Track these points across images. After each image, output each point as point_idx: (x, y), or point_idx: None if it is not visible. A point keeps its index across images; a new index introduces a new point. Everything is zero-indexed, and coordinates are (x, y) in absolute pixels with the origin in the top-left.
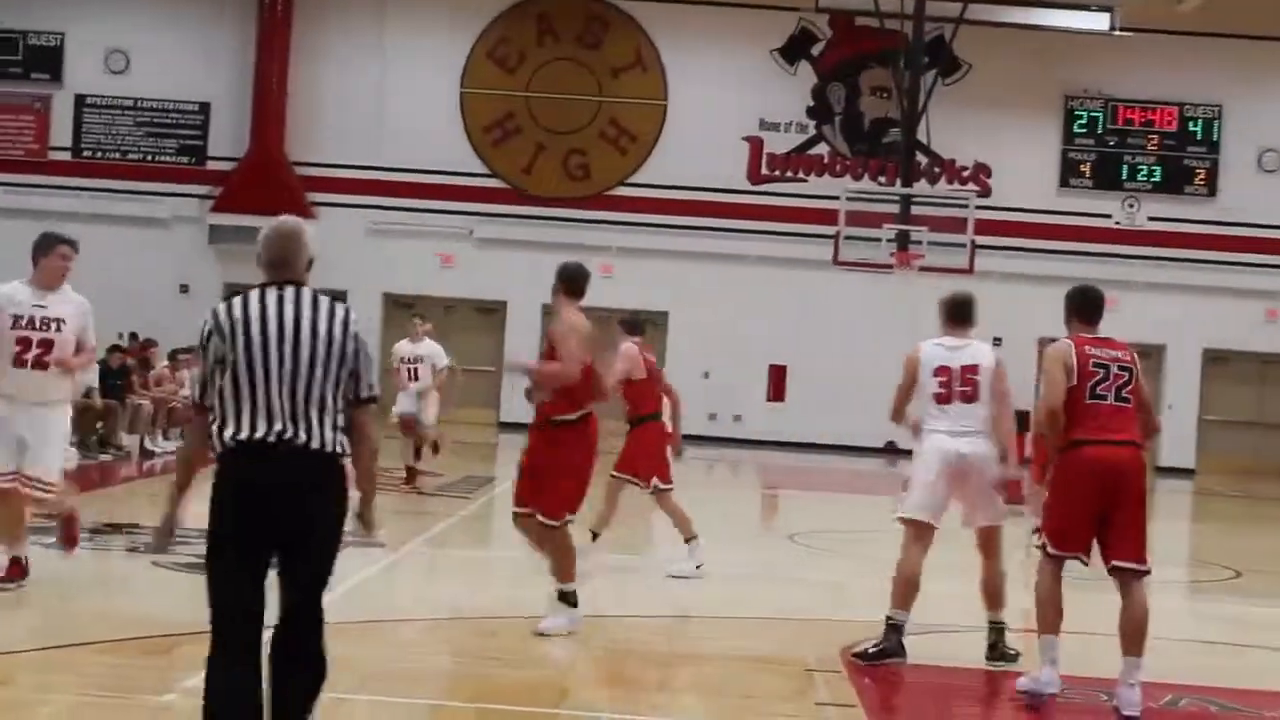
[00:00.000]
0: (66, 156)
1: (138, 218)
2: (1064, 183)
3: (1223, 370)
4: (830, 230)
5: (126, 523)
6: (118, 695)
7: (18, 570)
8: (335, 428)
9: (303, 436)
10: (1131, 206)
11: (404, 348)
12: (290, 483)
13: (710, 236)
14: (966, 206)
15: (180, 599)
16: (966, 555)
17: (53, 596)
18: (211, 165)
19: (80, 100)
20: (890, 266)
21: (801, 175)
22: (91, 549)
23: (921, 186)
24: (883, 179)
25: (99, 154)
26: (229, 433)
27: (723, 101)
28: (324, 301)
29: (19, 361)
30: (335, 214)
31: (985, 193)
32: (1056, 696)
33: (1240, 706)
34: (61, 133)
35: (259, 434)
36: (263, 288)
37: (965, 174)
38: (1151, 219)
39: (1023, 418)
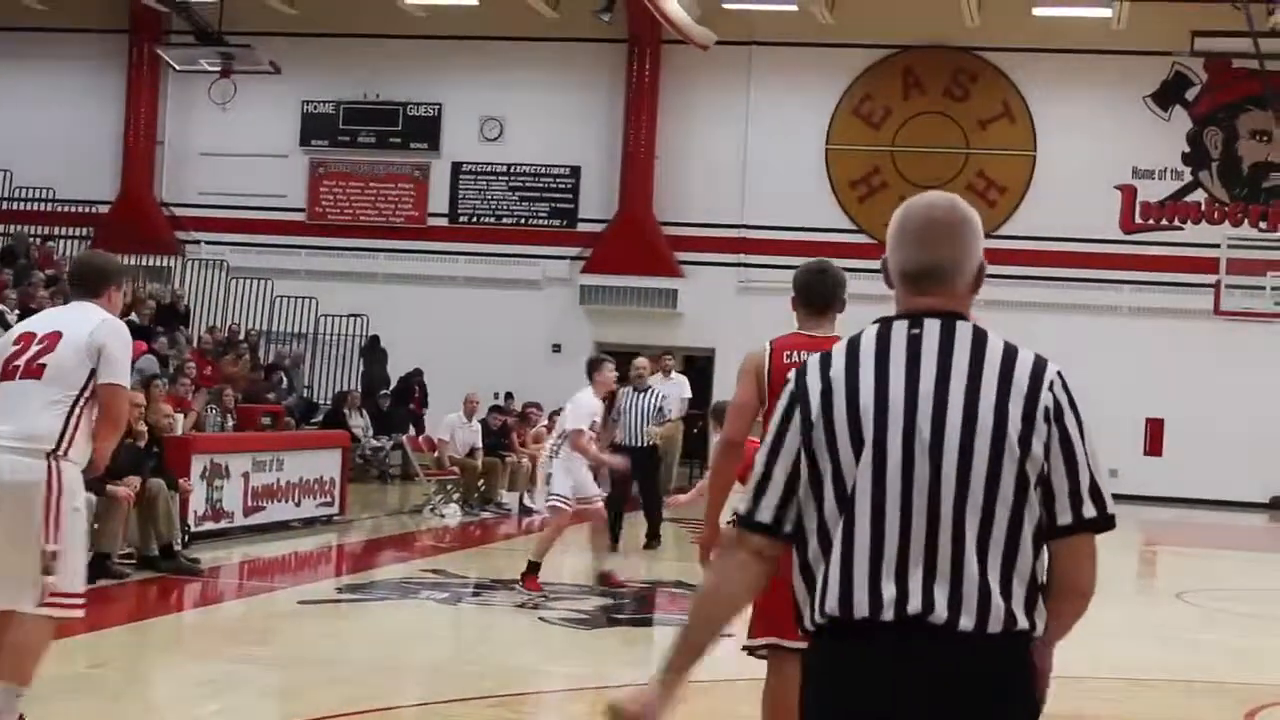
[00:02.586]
0: (444, 222)
1: (512, 280)
2: None
3: None
4: (1209, 279)
5: (509, 579)
6: None
7: None
8: (1019, 590)
9: (952, 610)
10: None
11: None
12: (936, 702)
13: (1082, 288)
14: None
15: (569, 654)
16: None
17: (448, 650)
18: (582, 227)
19: (456, 168)
20: (1276, 316)
21: (1178, 223)
22: (477, 604)
23: None
24: (1264, 224)
25: (474, 219)
26: (823, 600)
27: (1094, 150)
28: (996, 348)
29: None
30: (702, 273)
31: None
32: None
33: None
34: (439, 199)
35: (874, 607)
36: (888, 321)
37: None
38: None
39: None
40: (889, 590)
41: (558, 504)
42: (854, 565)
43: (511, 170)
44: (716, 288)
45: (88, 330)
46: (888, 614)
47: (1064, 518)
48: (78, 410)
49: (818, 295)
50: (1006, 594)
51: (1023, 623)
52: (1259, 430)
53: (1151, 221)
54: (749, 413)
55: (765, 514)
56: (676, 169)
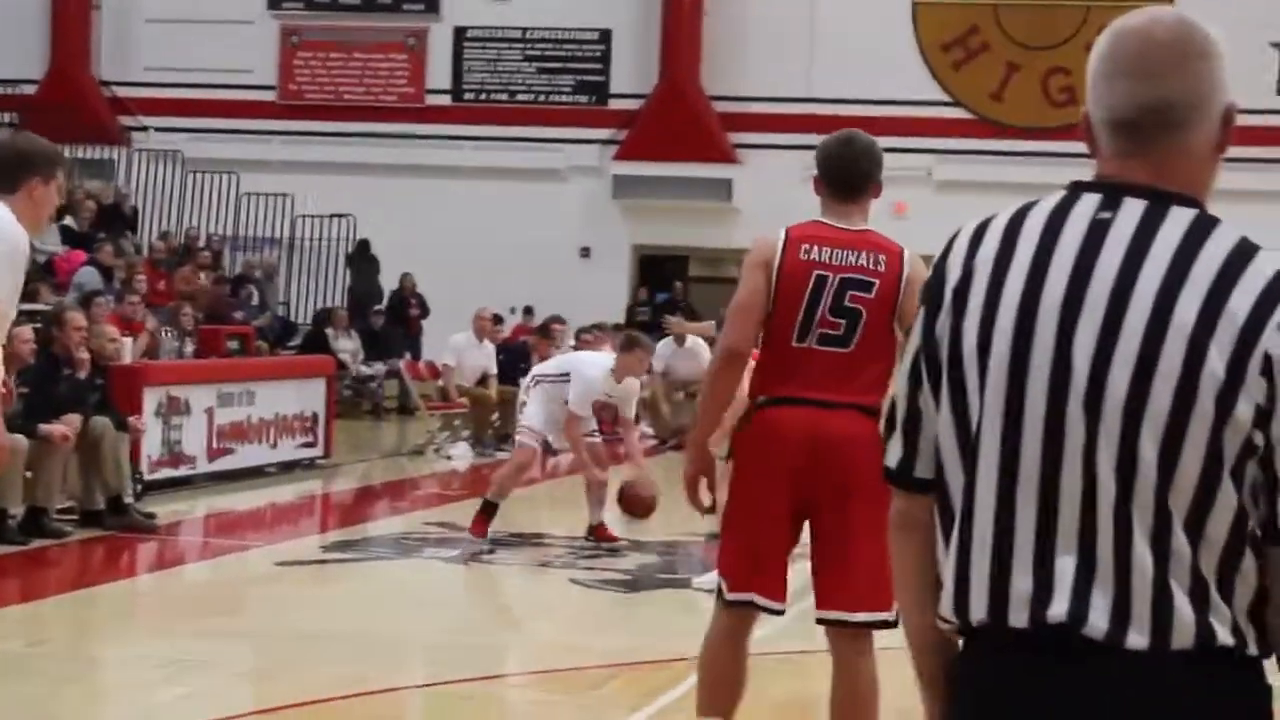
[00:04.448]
0: (446, 101)
1: (530, 170)
2: None
3: None
4: None
5: (533, 532)
6: None
7: None
8: (1217, 597)
9: (1116, 621)
10: None
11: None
12: None
13: (1230, 169)
14: None
15: (607, 623)
16: None
17: (459, 620)
18: (614, 105)
19: (460, 34)
20: None
21: None
22: (493, 564)
23: None
24: None
25: (483, 96)
26: (963, 597)
27: (1243, 1)
28: (1217, 256)
29: None
30: (762, 158)
31: None
32: None
33: None
34: (439, 73)
35: (997, 607)
36: (1075, 191)
37: None
38: None
39: None
40: (1021, 583)
41: (525, 437)
42: (972, 545)
43: (527, 36)
44: (779, 176)
45: None
46: (1018, 617)
47: None
48: None
49: (845, 174)
50: (1198, 600)
51: (1225, 638)
52: None
53: None
54: (753, 315)
55: (892, 458)
56: (730, 30)
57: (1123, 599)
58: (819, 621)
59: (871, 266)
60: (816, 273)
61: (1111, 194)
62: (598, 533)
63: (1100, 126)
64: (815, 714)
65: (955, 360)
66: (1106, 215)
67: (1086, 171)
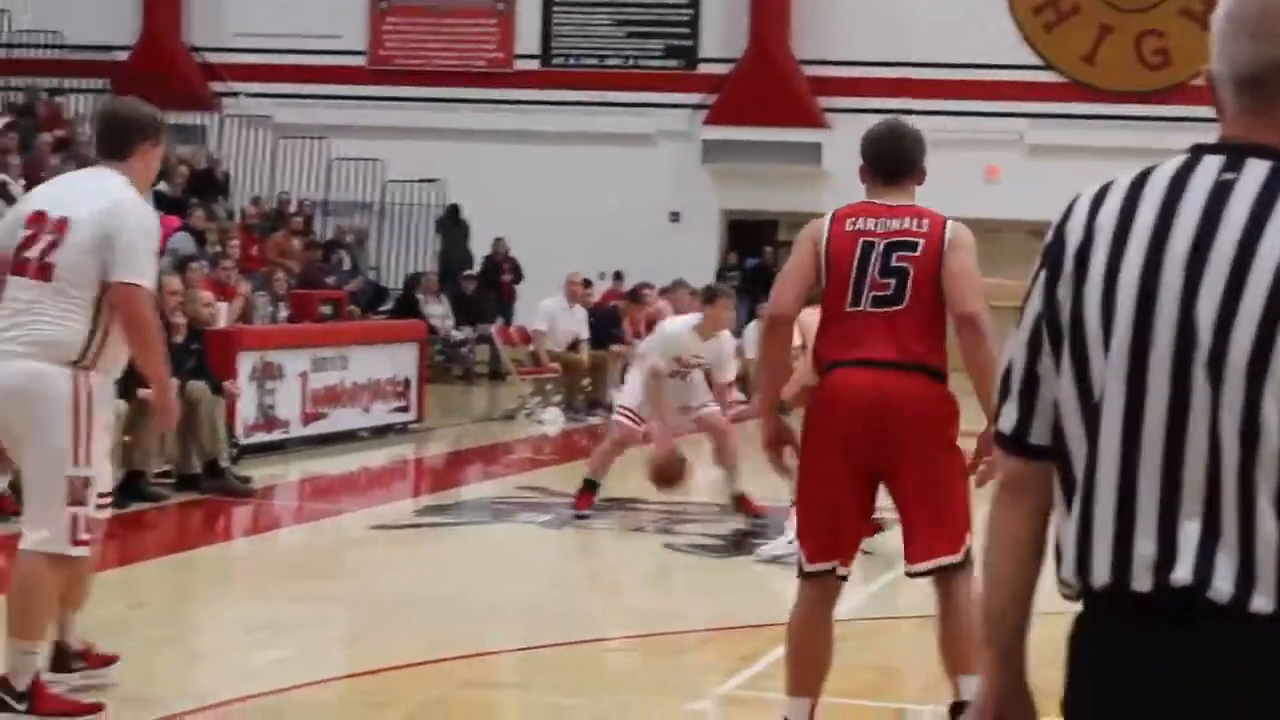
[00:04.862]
0: (534, 65)
1: (619, 134)
2: None
3: None
4: None
5: (627, 497)
6: (640, 701)
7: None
8: None
9: (1241, 584)
10: None
11: None
12: (1237, 698)
13: None
14: None
15: (700, 588)
16: None
17: (552, 584)
18: (704, 69)
19: None
20: None
21: None
22: (585, 528)
23: None
24: None
25: (572, 61)
26: (1058, 559)
27: None
28: None
29: None
30: (852, 122)
31: None
32: None
33: None
34: (528, 37)
35: (1120, 570)
36: (1198, 153)
37: None
38: None
39: None
40: (1145, 547)
41: (621, 418)
42: (1094, 510)
43: (616, 0)
44: None
45: (95, 215)
46: (1142, 581)
47: None
48: (103, 313)
49: (891, 163)
50: None
51: None
52: None
53: None
54: (799, 280)
55: (1006, 422)
56: None
57: (1247, 563)
58: (916, 574)
59: (915, 228)
60: (863, 240)
61: (1234, 155)
62: (742, 505)
63: (1224, 84)
64: (901, 679)
65: (1077, 325)
66: (1230, 177)
67: (1181, 136)
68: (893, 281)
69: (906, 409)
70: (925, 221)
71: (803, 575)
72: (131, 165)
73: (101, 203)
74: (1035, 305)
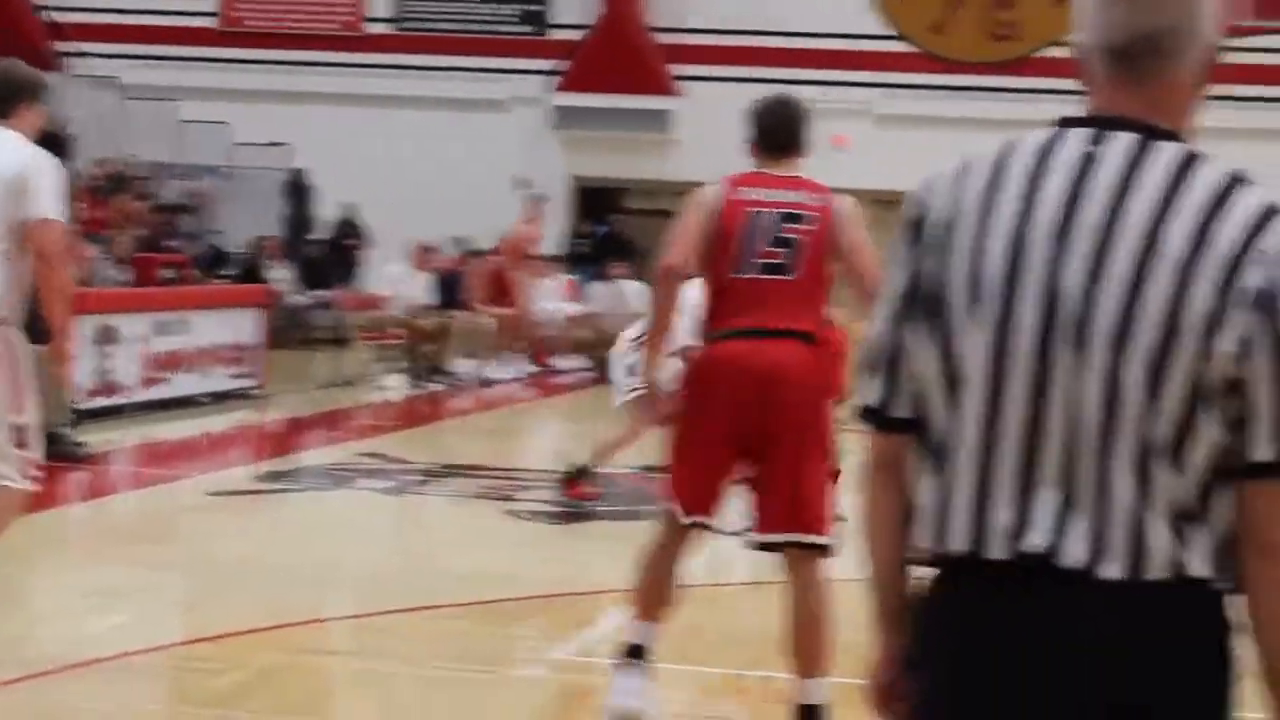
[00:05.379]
0: (386, 29)
1: (470, 100)
2: None
3: None
4: None
5: (467, 464)
6: (474, 668)
7: None
8: (1192, 530)
9: (1095, 550)
10: None
11: None
12: (1085, 658)
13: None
14: None
15: (543, 554)
16: None
17: (391, 551)
18: (556, 35)
19: None
20: None
21: None
22: (426, 495)
23: None
24: None
25: (424, 26)
26: (943, 529)
27: None
28: (1205, 188)
29: None
30: (703, 90)
31: None
32: None
33: None
34: (381, 2)
35: (978, 538)
36: (1063, 126)
37: None
38: None
39: None
40: (1002, 515)
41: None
42: (955, 479)
43: None
44: (721, 109)
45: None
46: (998, 549)
47: (1262, 451)
48: (13, 263)
49: (779, 136)
50: (1173, 532)
51: (1198, 569)
52: None
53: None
54: (690, 240)
55: (871, 396)
56: None
57: (1101, 529)
58: (764, 546)
59: (808, 201)
60: (755, 209)
61: (1100, 127)
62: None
63: (1093, 53)
64: (736, 646)
65: (942, 297)
66: (1096, 148)
67: (1030, 108)
68: (783, 251)
69: (794, 377)
70: (817, 195)
71: (671, 522)
72: (12, 125)
73: (6, 155)
74: (898, 278)
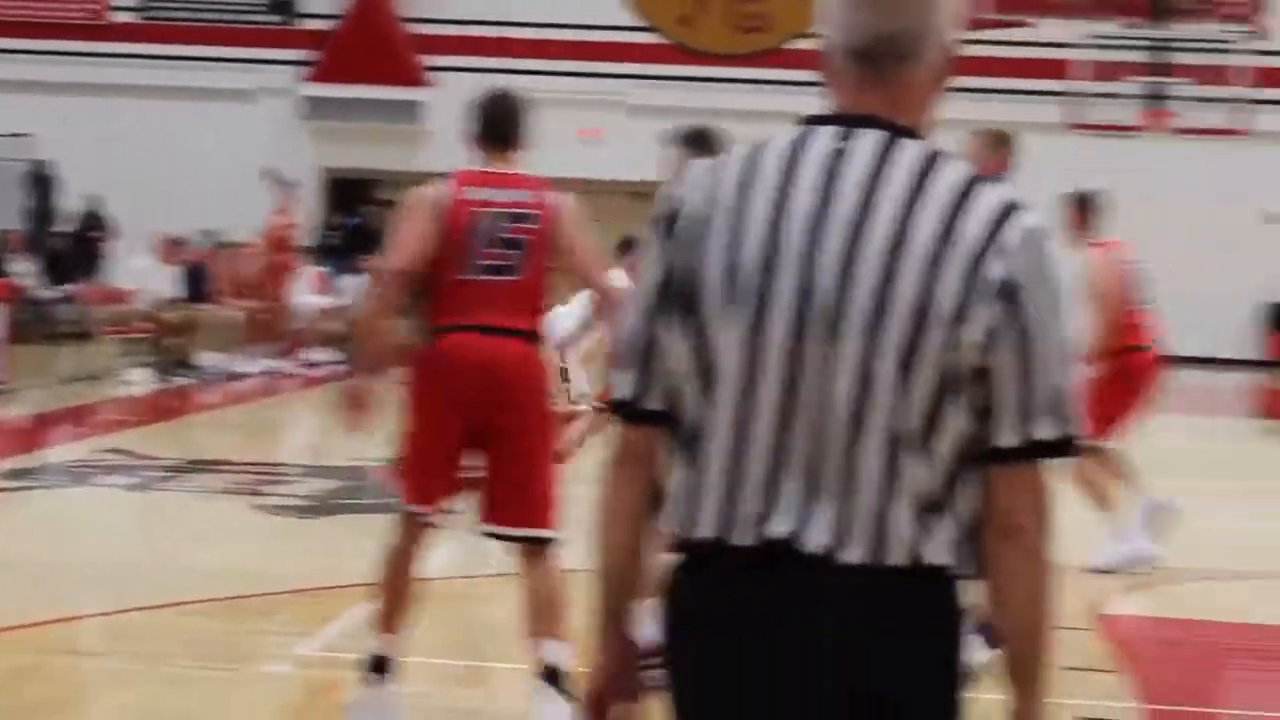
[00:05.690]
0: (131, 18)
1: (217, 90)
2: None
3: None
4: (1060, 86)
5: (214, 459)
6: (219, 665)
7: None
8: (934, 518)
9: (837, 537)
10: None
11: None
12: (824, 642)
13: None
14: (1235, 51)
15: (291, 548)
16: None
17: (136, 548)
18: (305, 25)
19: None
20: (1138, 129)
21: (1025, 19)
22: (172, 490)
23: (1177, 28)
24: (1127, 20)
25: (171, 15)
26: (692, 517)
27: None
28: (948, 183)
29: None
30: (455, 81)
31: (1259, 33)
32: None
33: None
34: None
35: (725, 525)
36: (812, 126)
37: (1233, 9)
38: None
39: None
40: (750, 503)
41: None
42: (707, 469)
43: None
44: (471, 100)
45: None
46: (744, 536)
47: (1007, 437)
48: None
49: (501, 129)
50: (915, 520)
51: (937, 556)
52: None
53: (991, 17)
54: (415, 243)
55: (624, 389)
56: None
57: (845, 516)
58: (499, 537)
59: (531, 200)
60: (480, 210)
61: (846, 125)
62: None
63: (837, 54)
64: (484, 638)
65: (695, 291)
66: (843, 145)
67: (778, 99)
68: (508, 252)
69: (518, 374)
70: (539, 193)
71: (403, 517)
72: None
73: None
74: (654, 273)
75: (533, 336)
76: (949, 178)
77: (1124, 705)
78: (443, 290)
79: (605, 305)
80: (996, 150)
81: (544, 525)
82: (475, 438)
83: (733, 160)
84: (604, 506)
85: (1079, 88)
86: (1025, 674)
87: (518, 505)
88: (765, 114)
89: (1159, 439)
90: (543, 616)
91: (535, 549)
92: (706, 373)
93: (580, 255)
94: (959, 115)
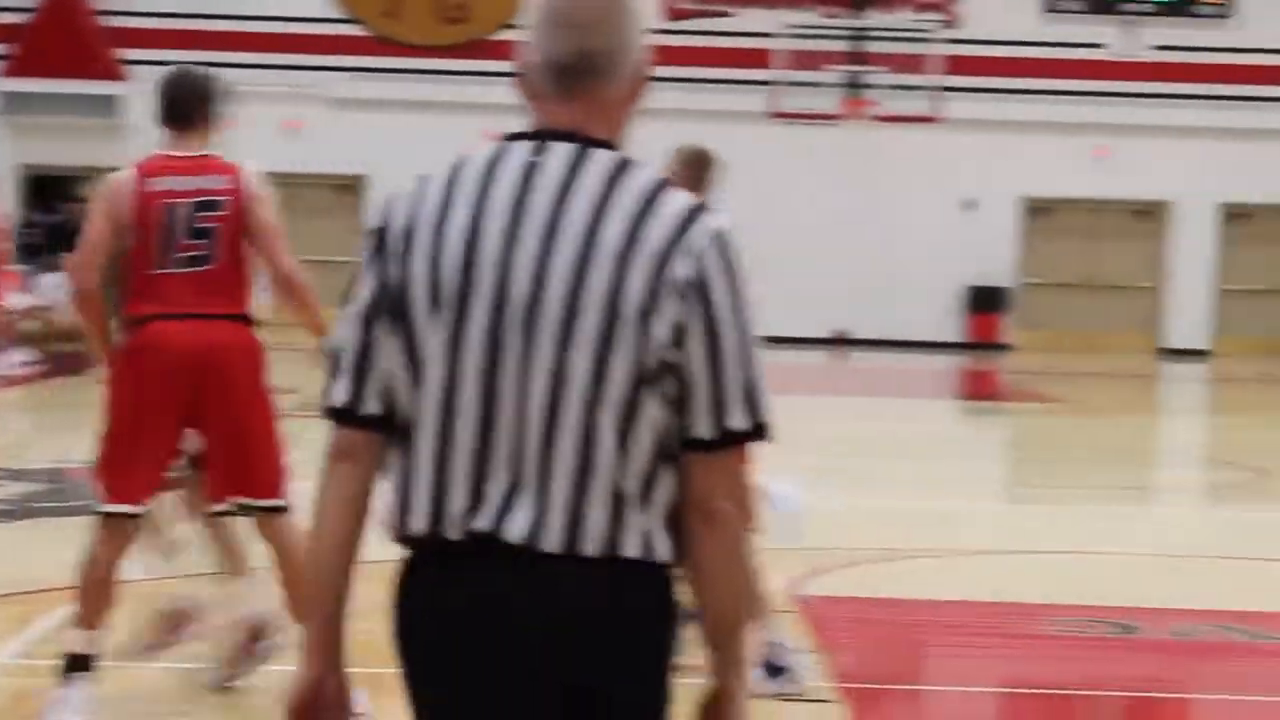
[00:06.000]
0: None
1: None
2: (1050, 7)
3: (1245, 230)
4: (763, 75)
5: None
6: None
7: None
8: (632, 508)
9: (535, 526)
10: (1130, 33)
11: None
12: (531, 634)
13: None
14: (930, 40)
15: None
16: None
17: None
18: (2, 19)
19: None
20: (838, 117)
21: (725, 9)
22: None
23: (875, 18)
24: (826, 10)
25: None
26: (406, 513)
27: None
28: (634, 191)
29: None
30: (152, 75)
31: (952, 22)
32: None
33: (1270, 633)
34: None
35: (435, 519)
36: (510, 141)
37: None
38: (1156, 48)
39: None
40: (458, 500)
41: None
42: (418, 466)
43: None
44: None
45: None
46: (453, 529)
47: (702, 428)
48: None
49: (179, 108)
50: (610, 510)
51: (632, 548)
52: (822, 251)
53: (696, 7)
54: (100, 249)
55: (338, 396)
56: None
57: (542, 508)
58: (225, 513)
59: (219, 186)
60: (168, 202)
61: (541, 140)
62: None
63: (536, 70)
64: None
65: (406, 300)
66: (537, 159)
67: (480, 90)
68: (201, 242)
69: (225, 357)
70: (227, 177)
71: (102, 516)
72: None
73: None
74: (367, 283)
75: (241, 319)
76: (637, 184)
77: (824, 685)
78: (139, 282)
79: (285, 289)
80: (697, 169)
81: (265, 494)
82: (191, 421)
83: (438, 175)
84: (320, 500)
85: (781, 76)
86: (727, 646)
87: (237, 476)
88: (470, 106)
89: (862, 423)
90: (295, 583)
91: (273, 522)
92: (416, 376)
93: (267, 239)
94: (666, 105)
